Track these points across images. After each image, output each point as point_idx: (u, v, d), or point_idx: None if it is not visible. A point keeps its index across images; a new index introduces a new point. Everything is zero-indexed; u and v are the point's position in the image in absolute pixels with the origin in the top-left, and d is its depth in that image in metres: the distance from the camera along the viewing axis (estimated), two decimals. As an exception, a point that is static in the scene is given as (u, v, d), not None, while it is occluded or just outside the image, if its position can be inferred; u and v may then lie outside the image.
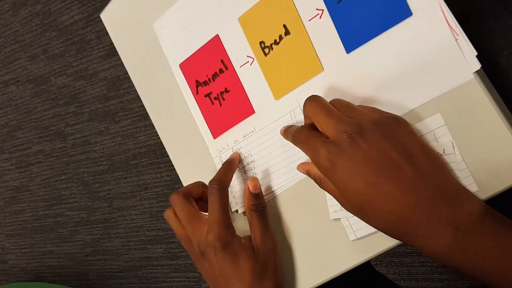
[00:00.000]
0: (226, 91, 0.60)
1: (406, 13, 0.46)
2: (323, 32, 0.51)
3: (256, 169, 0.59)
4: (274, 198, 0.58)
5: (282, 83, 0.55)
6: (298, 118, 0.55)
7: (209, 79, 0.61)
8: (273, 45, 0.55)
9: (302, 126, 0.51)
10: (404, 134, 0.44)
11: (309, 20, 0.52)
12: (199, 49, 0.61)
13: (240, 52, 0.58)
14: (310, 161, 0.51)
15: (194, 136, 0.64)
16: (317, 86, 0.53)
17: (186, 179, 0.66)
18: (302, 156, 0.54)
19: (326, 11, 0.51)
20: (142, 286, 1.87)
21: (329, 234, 0.54)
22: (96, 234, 1.92)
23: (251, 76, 0.58)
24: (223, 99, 0.60)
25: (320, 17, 0.51)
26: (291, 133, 0.51)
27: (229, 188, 0.59)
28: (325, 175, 0.45)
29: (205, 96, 0.61)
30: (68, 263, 2.05)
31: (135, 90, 0.69)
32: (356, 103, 0.49)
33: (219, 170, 0.58)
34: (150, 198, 1.72)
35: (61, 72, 1.82)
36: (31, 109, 1.95)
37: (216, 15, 0.58)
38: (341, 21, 0.50)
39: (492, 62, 0.50)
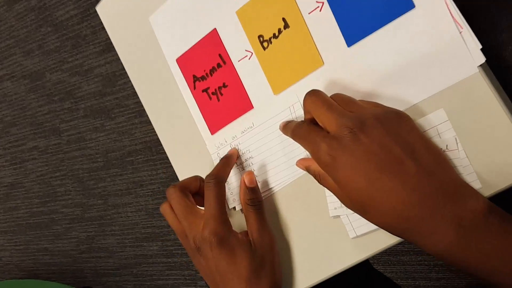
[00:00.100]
0: (224, 86, 0.59)
1: (408, 5, 0.45)
2: (323, 25, 0.50)
3: (255, 166, 0.58)
4: (272, 195, 0.57)
5: (281, 78, 0.54)
6: (297, 113, 0.54)
7: (206, 74, 0.60)
8: (272, 39, 0.54)
9: (302, 121, 0.50)
10: (407, 129, 0.43)
11: (309, 13, 0.51)
12: (197, 43, 0.60)
13: (238, 46, 0.57)
14: (310, 157, 0.50)
15: (191, 132, 0.63)
16: (317, 81, 0.52)
17: (183, 176, 0.65)
18: (301, 152, 0.54)
19: (326, 4, 0.50)
20: (137, 284, 1.86)
21: (328, 232, 0.53)
22: (91, 231, 1.91)
23: (250, 71, 0.56)
24: (221, 94, 0.59)
25: (320, 10, 0.50)
26: (291, 128, 0.50)
27: (226, 185, 0.58)
28: (325, 170, 0.44)
29: (203, 91, 0.60)
30: (63, 260, 2.04)
31: (131, 86, 0.69)
32: (357, 98, 0.48)
33: (216, 165, 0.57)
34: (146, 195, 1.71)
35: (56, 68, 1.80)
36: (25, 105, 1.94)
37: (213, 8, 0.57)
38: (342, 14, 0.49)
39: (497, 56, 0.49)
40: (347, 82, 0.50)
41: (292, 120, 0.53)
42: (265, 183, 0.57)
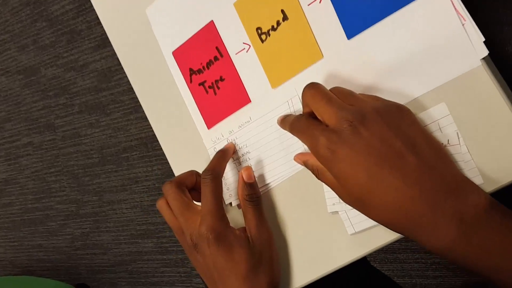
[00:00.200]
0: (221, 79, 0.58)
1: (410, -3, 0.44)
2: (323, 17, 0.49)
3: (252, 160, 0.57)
4: (270, 190, 0.56)
5: (279, 71, 0.53)
6: (296, 107, 0.53)
7: (203, 67, 0.59)
8: (270, 31, 0.53)
9: (300, 114, 0.49)
10: (408, 123, 0.42)
11: (308, 5, 0.50)
12: (193, 35, 0.59)
13: (235, 38, 0.56)
14: (308, 151, 0.49)
15: (187, 126, 0.62)
16: (317, 74, 0.51)
17: (179, 171, 0.64)
18: (299, 147, 0.53)
19: (326, -4, 0.49)
20: (132, 281, 1.85)
21: (326, 228, 0.52)
22: (86, 228, 1.90)
23: (247, 64, 0.56)
24: (218, 87, 0.58)
25: (320, 2, 0.49)
26: (289, 122, 0.49)
27: (223, 180, 0.57)
28: (324, 164, 0.44)
29: (199, 84, 0.59)
30: (57, 257, 2.03)
31: (127, 82, 0.68)
32: (357, 91, 0.47)
33: (212, 160, 0.56)
34: (141, 192, 1.71)
35: (51, 63, 1.79)
36: (20, 100, 1.93)
37: (211, 0, 0.56)
38: (342, 6, 0.48)
39: (500, 50, 0.49)
40: (347, 75, 0.49)
41: (290, 114, 0.52)
42: (262, 178, 0.57)
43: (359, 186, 0.41)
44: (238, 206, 0.59)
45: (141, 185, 1.69)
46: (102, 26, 0.67)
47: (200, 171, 0.56)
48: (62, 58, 1.75)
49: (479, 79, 0.42)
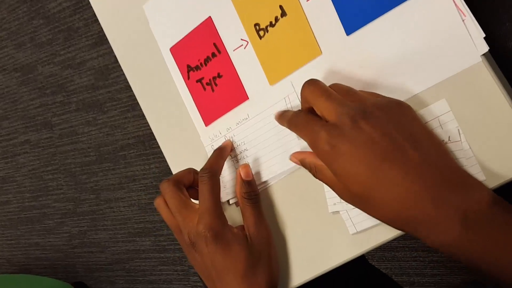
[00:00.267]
0: (219, 76, 0.57)
1: (410, -8, 0.43)
2: (321, 13, 0.49)
3: (250, 158, 0.57)
4: (268, 188, 0.56)
5: (277, 68, 0.53)
6: (293, 103, 0.52)
7: (201, 63, 0.58)
8: (268, 27, 0.52)
9: (299, 110, 0.48)
10: (408, 119, 0.42)
11: (307, 1, 0.49)
12: (191, 32, 0.58)
13: (233, 35, 0.55)
14: (305, 149, 0.48)
15: (185, 123, 0.61)
16: (315, 71, 0.50)
17: (177, 169, 0.64)
18: (297, 144, 0.52)
19: (325, -9, 0.48)
20: (130, 279, 1.85)
21: (325, 226, 0.52)
22: (83, 226, 1.90)
23: (245, 61, 0.55)
24: (216, 84, 0.58)
25: (319, -3, 0.49)
26: (287, 118, 0.49)
27: (220, 178, 0.57)
28: (324, 160, 0.43)
29: (197, 81, 0.59)
30: (55, 255, 2.03)
31: (124, 80, 0.67)
32: (356, 88, 0.47)
33: (209, 158, 0.56)
34: (139, 190, 1.70)
35: (48, 61, 1.79)
36: (17, 98, 1.92)
37: (208, -4, 0.56)
38: (341, 1, 0.47)
39: (500, 47, 0.48)
40: (346, 71, 0.48)
41: (288, 110, 0.51)
42: (261, 176, 0.56)
43: (359, 182, 0.41)
44: (236, 204, 0.58)
45: (139, 183, 1.69)
46: (99, 24, 0.67)
47: (198, 169, 0.56)
48: (59, 56, 1.75)
49: (479, 74, 0.42)
